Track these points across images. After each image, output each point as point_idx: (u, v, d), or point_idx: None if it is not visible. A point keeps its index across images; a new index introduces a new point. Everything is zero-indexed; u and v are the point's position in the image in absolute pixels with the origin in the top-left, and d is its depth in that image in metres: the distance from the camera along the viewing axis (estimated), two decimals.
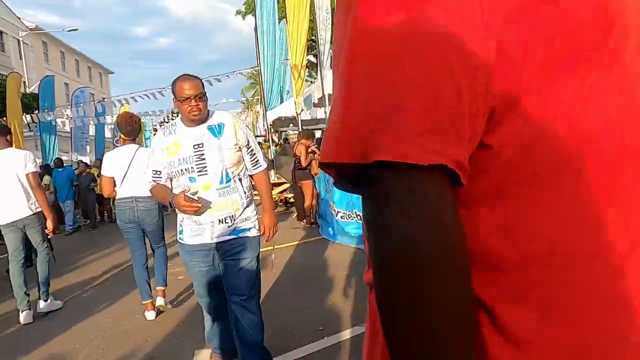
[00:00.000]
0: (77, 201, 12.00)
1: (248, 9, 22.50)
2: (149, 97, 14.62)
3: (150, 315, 4.30)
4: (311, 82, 15.01)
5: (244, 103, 42.55)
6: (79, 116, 17.42)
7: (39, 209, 4.52)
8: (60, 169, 11.92)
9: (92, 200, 12.23)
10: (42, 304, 4.68)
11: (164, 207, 4.67)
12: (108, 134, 25.17)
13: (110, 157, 4.39)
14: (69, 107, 17.59)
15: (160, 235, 4.53)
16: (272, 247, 6.85)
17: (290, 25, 9.91)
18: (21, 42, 29.55)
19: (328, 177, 7.61)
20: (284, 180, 10.62)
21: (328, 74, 6.99)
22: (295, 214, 9.53)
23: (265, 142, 16.81)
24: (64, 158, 16.00)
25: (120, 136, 4.57)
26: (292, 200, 11.81)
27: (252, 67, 15.21)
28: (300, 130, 9.97)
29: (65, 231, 10.95)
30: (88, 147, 19.80)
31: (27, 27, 32.28)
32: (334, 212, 6.82)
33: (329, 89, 6.75)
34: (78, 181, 11.94)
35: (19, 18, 32.93)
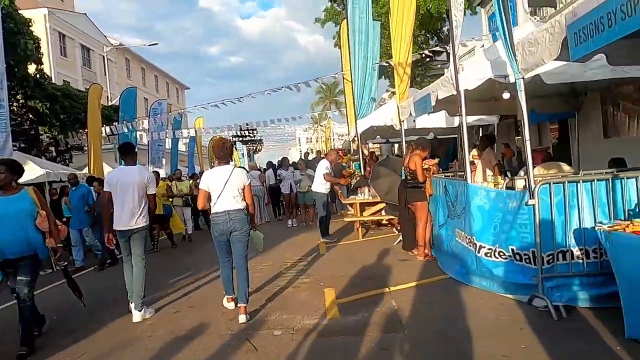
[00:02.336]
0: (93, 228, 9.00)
1: (328, 16, 21.41)
2: (225, 105, 13.64)
3: (230, 305, 5.03)
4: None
5: (312, 118, 41.91)
6: (156, 128, 16.96)
7: (146, 224, 5.22)
8: (74, 188, 9.33)
9: None
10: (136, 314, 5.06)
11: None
12: (182, 147, 24.99)
13: (209, 174, 4.95)
14: (147, 118, 17.18)
15: (246, 245, 4.92)
16: (387, 289, 5.31)
17: (393, 18, 8.45)
18: (105, 58, 30.44)
19: (454, 198, 5.95)
20: (378, 199, 9.04)
21: (466, 65, 5.36)
22: (399, 240, 7.92)
23: (348, 155, 15.43)
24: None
25: (215, 159, 5.15)
26: (385, 222, 10.25)
27: (336, 73, 13.89)
28: (406, 141, 8.41)
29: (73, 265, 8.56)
30: (164, 160, 19.36)
31: (111, 43, 33.41)
32: (471, 246, 5.16)
33: (466, 84, 5.14)
34: (94, 203, 9.09)
35: (105, 36, 34.24)
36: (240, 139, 41.98)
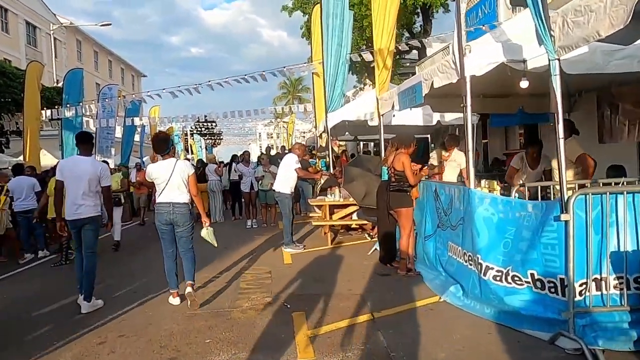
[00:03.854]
0: None
1: (297, 4, 20.26)
2: (182, 93, 12.34)
3: (175, 301, 4.99)
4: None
5: (273, 113, 40.80)
6: (104, 114, 15.27)
7: (97, 214, 5.13)
8: None
9: None
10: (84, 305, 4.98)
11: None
12: (137, 137, 23.18)
13: (154, 168, 5.10)
14: (94, 102, 15.46)
15: (190, 238, 5.09)
16: (371, 315, 4.35)
17: (376, 1, 7.52)
18: (52, 37, 28.11)
19: (447, 206, 5.06)
20: (351, 201, 8.08)
21: (473, 45, 4.42)
22: (374, 248, 6.98)
23: (314, 151, 14.41)
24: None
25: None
26: (355, 226, 9.32)
27: (304, 63, 12.83)
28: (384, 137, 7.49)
29: None
30: (113, 150, 17.69)
31: (60, 22, 30.97)
32: (472, 266, 4.26)
33: (473, 69, 4.24)
34: None
35: (54, 14, 31.69)
36: (199, 131, 40.34)
